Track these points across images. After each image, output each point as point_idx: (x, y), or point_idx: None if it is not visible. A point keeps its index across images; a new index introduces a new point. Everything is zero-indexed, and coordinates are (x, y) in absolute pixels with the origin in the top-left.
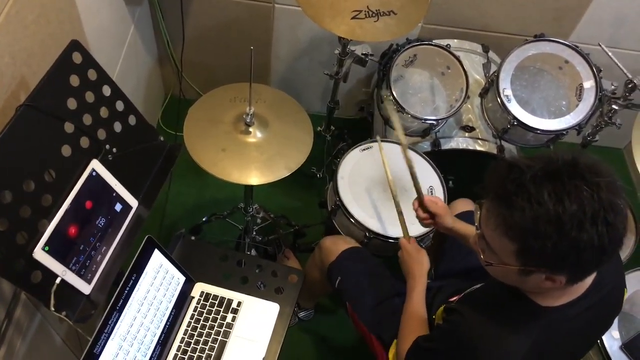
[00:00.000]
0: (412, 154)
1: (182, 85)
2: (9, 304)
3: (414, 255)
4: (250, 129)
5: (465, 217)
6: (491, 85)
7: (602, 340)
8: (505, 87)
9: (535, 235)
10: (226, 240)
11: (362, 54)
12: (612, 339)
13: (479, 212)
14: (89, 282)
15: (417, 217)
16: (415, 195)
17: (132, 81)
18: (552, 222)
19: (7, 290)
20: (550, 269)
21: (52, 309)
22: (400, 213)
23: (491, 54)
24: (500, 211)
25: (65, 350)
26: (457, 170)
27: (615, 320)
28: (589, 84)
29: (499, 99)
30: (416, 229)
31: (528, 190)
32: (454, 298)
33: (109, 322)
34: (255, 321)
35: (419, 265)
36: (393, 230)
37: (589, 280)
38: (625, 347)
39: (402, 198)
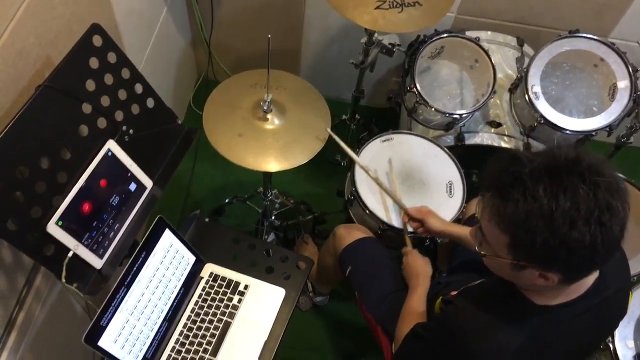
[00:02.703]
0: (420, 151)
1: (213, 67)
2: (30, 272)
3: (418, 260)
4: (268, 116)
5: None
6: (520, 81)
7: (615, 349)
8: (534, 84)
9: (525, 229)
10: (246, 224)
11: (389, 44)
12: (626, 348)
13: (481, 204)
14: (100, 257)
15: (412, 228)
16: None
17: (163, 63)
18: (544, 218)
19: (28, 258)
20: (542, 266)
21: (64, 280)
22: (405, 223)
23: (526, 48)
24: (495, 202)
25: (85, 319)
26: (481, 166)
27: (631, 329)
28: (623, 83)
29: (526, 96)
30: None
31: (525, 183)
32: (454, 292)
33: (117, 296)
34: (261, 304)
35: (423, 268)
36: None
37: (590, 281)
38: None
39: (420, 190)
